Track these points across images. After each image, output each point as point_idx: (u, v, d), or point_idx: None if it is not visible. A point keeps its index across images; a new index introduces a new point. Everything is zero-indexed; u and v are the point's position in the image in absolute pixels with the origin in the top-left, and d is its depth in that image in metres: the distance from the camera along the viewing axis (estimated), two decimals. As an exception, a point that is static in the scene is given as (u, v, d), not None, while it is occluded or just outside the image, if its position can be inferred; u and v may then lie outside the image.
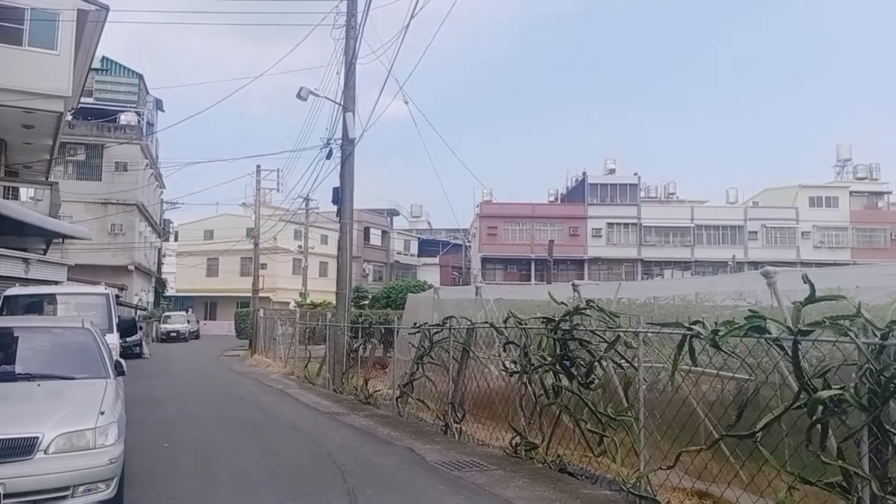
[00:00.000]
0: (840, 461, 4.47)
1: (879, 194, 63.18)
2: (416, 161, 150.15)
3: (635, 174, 62.44)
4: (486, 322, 10.60)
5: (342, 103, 18.71)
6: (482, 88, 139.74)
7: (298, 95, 19.68)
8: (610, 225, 60.41)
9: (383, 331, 16.54)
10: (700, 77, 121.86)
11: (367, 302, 32.82)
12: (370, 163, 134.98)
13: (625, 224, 60.45)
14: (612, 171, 63.26)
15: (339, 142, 18.77)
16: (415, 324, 12.84)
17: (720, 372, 6.17)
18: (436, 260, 71.82)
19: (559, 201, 67.10)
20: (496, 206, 59.54)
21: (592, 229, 60.29)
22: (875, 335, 4.50)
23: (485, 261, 60.34)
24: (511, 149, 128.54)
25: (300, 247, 52.41)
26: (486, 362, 10.74)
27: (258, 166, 40.27)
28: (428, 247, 74.35)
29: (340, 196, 18.50)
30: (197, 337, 48.90)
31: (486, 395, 10.32)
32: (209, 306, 62.46)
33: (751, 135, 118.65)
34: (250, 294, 38.79)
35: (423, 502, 6.58)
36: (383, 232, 70.42)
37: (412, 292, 23.73)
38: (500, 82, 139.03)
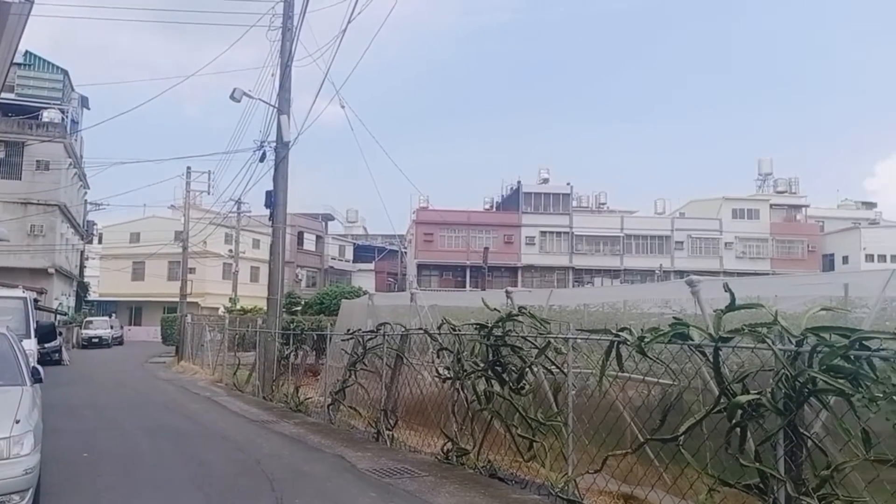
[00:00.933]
0: (757, 463, 4.64)
1: (798, 207, 66.27)
2: (353, 166, 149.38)
3: (568, 184, 63.70)
4: (421, 328, 10.60)
5: (277, 105, 18.44)
6: (420, 95, 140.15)
7: (232, 97, 19.31)
8: (543, 233, 61.40)
9: (316, 337, 16.33)
10: (632, 90, 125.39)
11: (299, 308, 32.34)
12: (305, 166, 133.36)
13: (557, 232, 61.54)
14: (545, 181, 64.35)
15: (273, 144, 18.49)
16: (348, 330, 12.72)
17: (646, 377, 6.33)
18: (371, 266, 71.45)
19: (494, 209, 67.80)
20: (433, 212, 59.72)
21: (526, 237, 61.15)
22: (790, 342, 4.69)
23: (421, 267, 60.41)
24: (448, 156, 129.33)
25: (231, 251, 51.23)
26: (420, 369, 10.74)
27: (188, 168, 39.28)
28: (363, 252, 73.89)
29: (273, 200, 18.21)
30: (121, 343, 47.18)
31: (420, 402, 10.31)
32: (134, 311, 60.35)
33: (679, 147, 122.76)
34: (178, 299, 37.67)
35: (353, 510, 6.52)
36: (318, 237, 69.59)
37: (346, 298, 23.52)
38: (438, 89, 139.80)
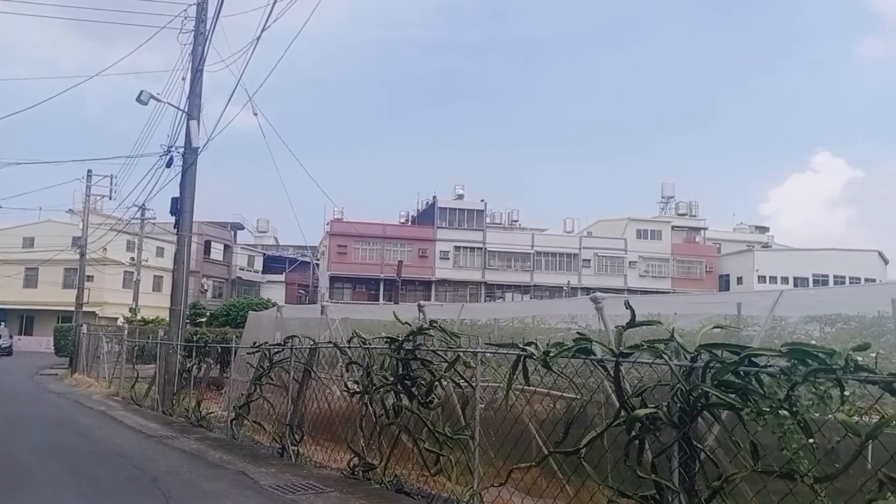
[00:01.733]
0: (654, 475, 4.81)
1: (697, 229, 69.68)
2: (266, 175, 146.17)
3: (482, 200, 64.68)
4: (330, 342, 10.45)
5: (186, 110, 17.87)
6: (337, 108, 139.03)
7: (139, 99, 18.57)
8: (457, 248, 62.00)
9: (220, 350, 15.82)
10: (544, 110, 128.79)
11: (204, 319, 31.33)
12: (215, 174, 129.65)
13: (471, 248, 62.28)
14: (460, 197, 65.08)
15: (181, 150, 17.89)
16: (255, 343, 12.39)
17: (551, 391, 6.46)
18: (282, 277, 70.01)
19: (410, 223, 67.97)
20: (347, 224, 59.20)
21: (440, 251, 61.57)
22: (686, 358, 4.89)
23: (333, 279, 59.71)
24: (364, 169, 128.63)
25: (133, 259, 49.03)
26: (329, 383, 10.58)
27: (89, 171, 37.45)
28: (274, 263, 72.30)
29: (180, 207, 17.59)
30: (9, 353, 44.16)
31: (327, 417, 10.14)
32: (25, 320, 56.67)
33: (588, 167, 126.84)
34: (73, 308, 35.66)
35: (254, 528, 6.32)
36: (226, 246, 67.61)
37: (254, 310, 22.96)
38: (355, 103, 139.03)
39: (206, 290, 62.36)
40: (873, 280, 51.09)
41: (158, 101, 18.88)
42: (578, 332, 6.63)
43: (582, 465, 5.20)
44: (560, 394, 6.36)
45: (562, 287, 59.45)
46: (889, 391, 3.78)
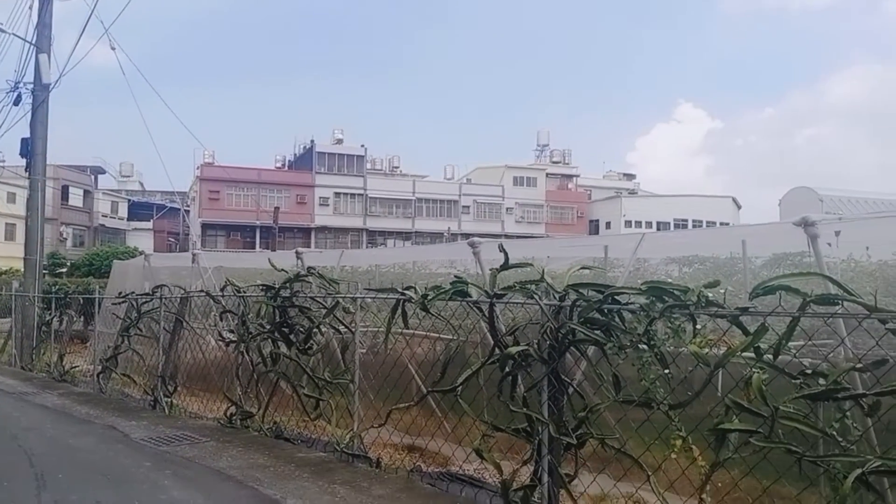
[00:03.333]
0: (525, 409, 5.05)
1: (569, 177, 72.19)
2: (129, 117, 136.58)
3: (362, 146, 63.72)
4: (203, 291, 10.09)
5: (35, 42, 16.27)
6: (208, 48, 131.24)
7: (-24, 27, 16.67)
8: (337, 194, 61.03)
9: (83, 301, 14.91)
10: (422, 57, 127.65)
11: (64, 270, 29.33)
12: (73, 114, 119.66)
13: (351, 194, 61.52)
14: (339, 141, 63.77)
15: (31, 86, 16.33)
16: (120, 293, 11.76)
17: (429, 333, 6.59)
18: (149, 224, 66.42)
19: (287, 168, 65.98)
20: (219, 168, 56.60)
21: (320, 198, 60.40)
22: (555, 297, 5.11)
23: (205, 227, 57.31)
24: (237, 112, 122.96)
25: (-21, 205, 44.80)
26: (203, 333, 10.27)
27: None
28: (140, 210, 68.33)
29: (31, 149, 16.17)
30: None
31: (202, 367, 9.87)
32: None
33: (467, 114, 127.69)
34: None
35: (124, 481, 6.09)
36: (86, 192, 63.03)
37: (120, 259, 21.75)
38: (227, 43, 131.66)
39: (66, 239, 58.20)
40: (727, 224, 55.19)
41: (2, 31, 17.06)
42: (456, 276, 6.76)
43: (458, 402, 5.37)
44: (438, 336, 6.50)
45: (442, 233, 60.14)
46: (736, 324, 4.11)
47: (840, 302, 3.79)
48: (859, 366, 3.70)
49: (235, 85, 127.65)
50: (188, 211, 62.79)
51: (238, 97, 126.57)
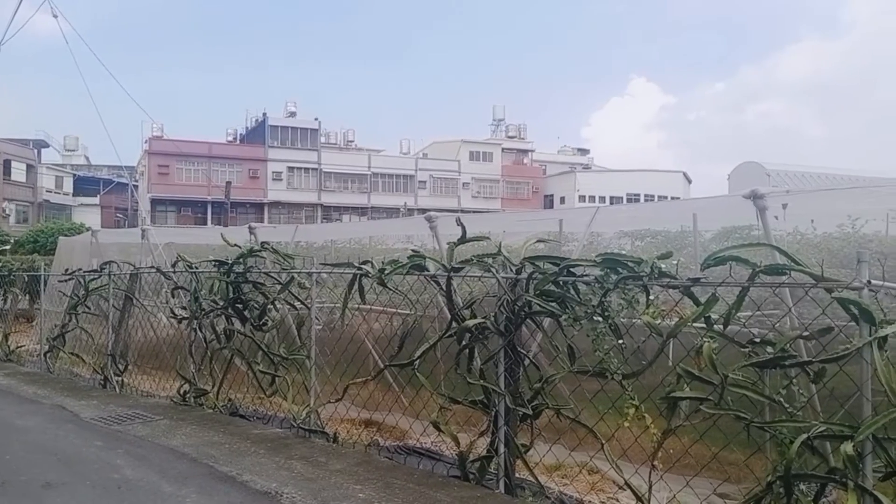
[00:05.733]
0: (482, 381, 5.09)
1: (525, 151, 72.47)
2: (73, 87, 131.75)
3: (316, 119, 62.81)
4: (153, 267, 9.86)
5: (-33, 7, 15.49)
6: (157, 17, 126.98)
7: None
8: (291, 169, 60.15)
9: (27, 279, 14.44)
10: (378, 31, 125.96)
11: (8, 247, 28.31)
12: (12, 85, 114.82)
13: (305, 168, 60.69)
14: (293, 115, 62.72)
15: (-36, 54, 15.58)
16: (67, 270, 11.42)
17: (386, 308, 6.57)
18: (96, 200, 64.50)
19: (238, 142, 64.64)
20: (168, 142, 55.06)
21: (273, 172, 59.45)
22: (511, 270, 5.14)
23: (155, 202, 55.98)
24: (187, 85, 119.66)
25: (-88, 180, 42.85)
26: (154, 310, 10.06)
27: None
28: (86, 185, 66.25)
29: (-33, 120, 15.47)
30: None
31: (154, 345, 9.68)
32: None
33: (424, 88, 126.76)
34: None
35: (75, 461, 5.95)
36: (28, 166, 60.73)
37: (66, 236, 21.11)
38: (175, 12, 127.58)
39: (9, 215, 56.16)
40: (678, 198, 56.22)
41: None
42: (412, 250, 6.73)
43: (416, 376, 5.38)
44: (395, 310, 6.48)
45: (399, 208, 59.90)
46: (687, 295, 4.19)
47: (788, 272, 3.89)
48: (805, 334, 3.81)
49: (185, 57, 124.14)
50: (136, 186, 61.16)
51: (188, 70, 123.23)
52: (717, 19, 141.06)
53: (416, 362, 5.38)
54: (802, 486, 3.51)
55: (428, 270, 5.68)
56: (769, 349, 3.78)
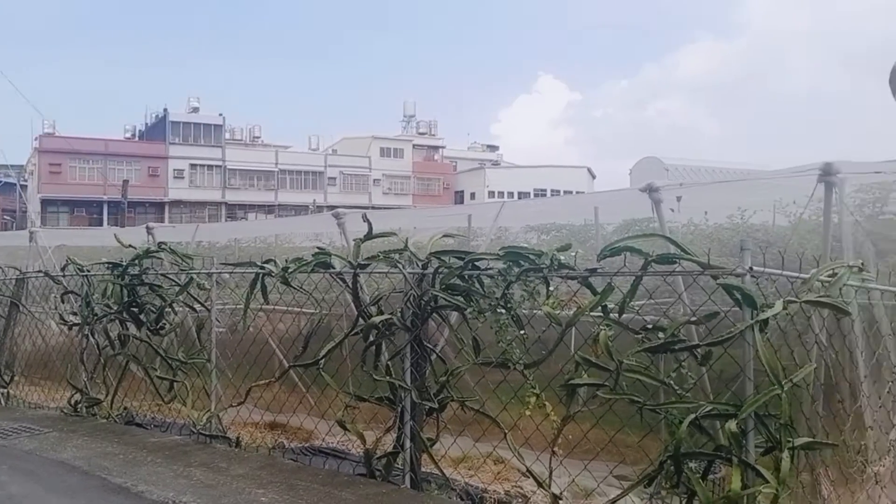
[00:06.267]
0: (388, 377, 5.07)
1: (436, 148, 72.89)
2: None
3: (220, 115, 60.91)
4: (41, 271, 9.28)
5: None
6: (50, 8, 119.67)
7: None
8: (193, 166, 58.15)
9: None
10: (286, 26, 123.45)
11: None
12: None
13: (209, 166, 58.81)
14: (195, 110, 60.59)
15: None
16: (-58, 277, 10.59)
17: (290, 308, 6.44)
18: (-21, 201, 60.29)
19: (137, 138, 61.84)
20: (60, 139, 52.08)
21: (174, 170, 57.30)
22: (418, 265, 5.14)
23: (46, 203, 52.88)
24: (82, 81, 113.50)
25: None
26: (43, 317, 9.48)
27: None
28: (-32, 185, 61.81)
29: None
30: None
31: (43, 354, 9.13)
32: None
33: (333, 84, 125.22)
34: None
35: (-49, 483, 5.53)
36: None
37: (-57, 239, 19.65)
38: (72, 5, 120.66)
39: None
40: (582, 192, 57.87)
41: None
42: (317, 247, 6.62)
43: (321, 375, 5.30)
44: (299, 310, 6.35)
45: (307, 206, 58.96)
46: (585, 285, 4.32)
47: (677, 261, 4.07)
48: (693, 319, 3.99)
49: (81, 52, 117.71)
50: (25, 186, 57.53)
51: (83, 65, 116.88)
52: (620, 19, 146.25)
53: (321, 361, 5.30)
54: (692, 464, 3.67)
55: (334, 267, 5.60)
56: (661, 335, 3.94)
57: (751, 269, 3.77)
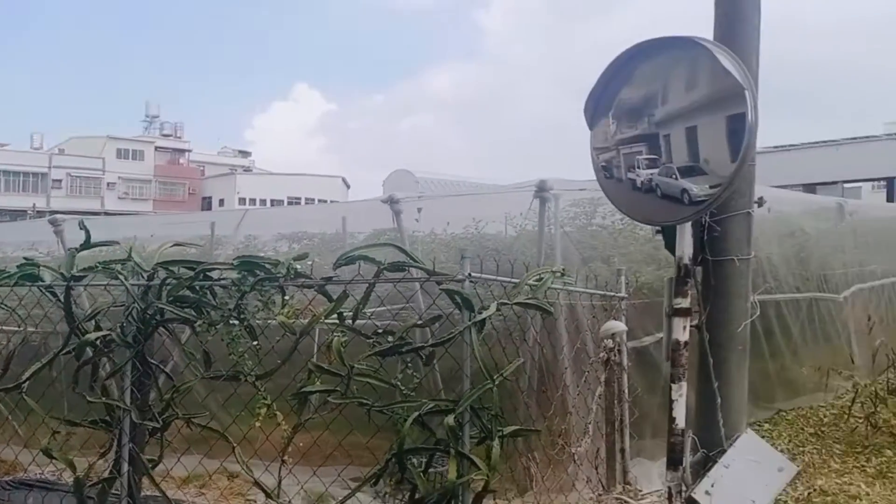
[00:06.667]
0: (105, 398, 4.66)
1: (181, 151, 68.76)
2: None
3: None
4: None
5: None
6: None
7: None
8: None
9: None
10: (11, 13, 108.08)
11: None
12: None
13: None
14: None
15: None
16: None
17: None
18: None
19: None
20: None
21: None
22: (143, 277, 4.80)
23: None
24: None
25: None
26: None
27: None
28: None
29: None
30: None
31: None
32: None
33: (62, 78, 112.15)
34: None
35: None
36: None
37: None
38: None
39: None
40: (337, 202, 58.30)
41: None
42: (25, 258, 5.89)
43: (24, 400, 4.72)
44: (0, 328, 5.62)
45: (27, 211, 52.18)
46: (322, 293, 4.36)
47: (408, 268, 4.29)
48: (419, 322, 4.23)
49: None
50: None
51: None
52: (376, 33, 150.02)
53: (24, 385, 4.72)
54: (415, 460, 3.88)
55: (43, 280, 5.04)
56: (390, 338, 4.11)
57: (469, 275, 4.09)
